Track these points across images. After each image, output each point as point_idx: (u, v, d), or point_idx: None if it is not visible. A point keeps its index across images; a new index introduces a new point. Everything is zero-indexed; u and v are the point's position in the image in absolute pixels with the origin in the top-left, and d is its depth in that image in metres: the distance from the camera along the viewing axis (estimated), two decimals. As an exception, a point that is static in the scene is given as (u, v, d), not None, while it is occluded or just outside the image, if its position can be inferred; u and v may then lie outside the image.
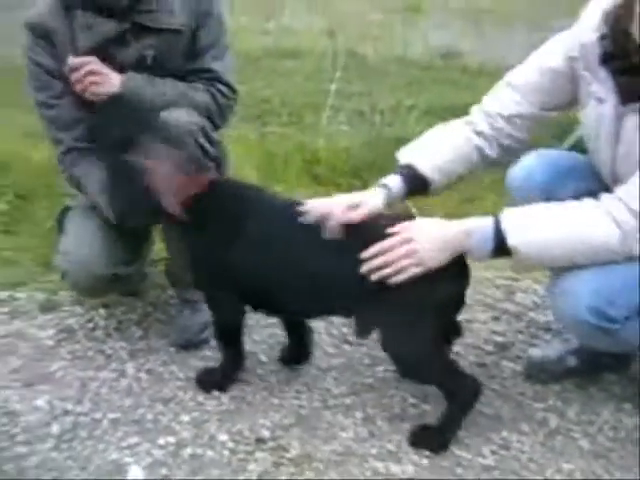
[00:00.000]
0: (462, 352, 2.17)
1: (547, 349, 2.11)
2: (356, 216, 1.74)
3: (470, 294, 2.45)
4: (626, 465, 1.77)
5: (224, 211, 1.87)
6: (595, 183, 1.81)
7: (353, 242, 1.73)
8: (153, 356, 2.14)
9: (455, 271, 1.75)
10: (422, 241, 1.68)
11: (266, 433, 1.84)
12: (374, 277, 1.69)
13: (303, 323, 2.08)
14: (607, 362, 2.04)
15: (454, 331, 2.01)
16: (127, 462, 1.75)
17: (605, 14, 1.66)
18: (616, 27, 1.63)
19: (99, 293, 2.24)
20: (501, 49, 5.53)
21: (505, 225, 1.65)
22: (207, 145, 2.04)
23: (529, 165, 1.93)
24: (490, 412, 1.93)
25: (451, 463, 1.77)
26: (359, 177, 3.20)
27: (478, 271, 2.55)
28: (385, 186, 1.81)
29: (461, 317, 2.31)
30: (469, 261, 1.77)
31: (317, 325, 2.26)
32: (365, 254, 1.70)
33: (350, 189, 3.13)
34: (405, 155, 1.88)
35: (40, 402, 1.94)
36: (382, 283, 1.70)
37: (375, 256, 1.69)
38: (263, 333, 2.24)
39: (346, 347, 2.18)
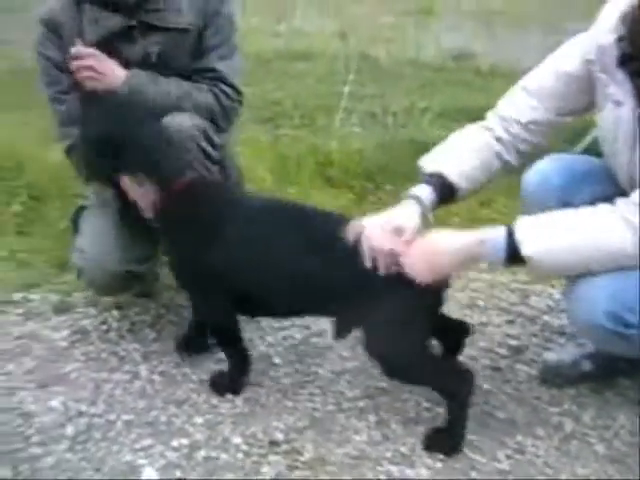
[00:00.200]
0: (476, 355, 2.16)
1: (562, 353, 2.10)
2: (403, 245, 1.71)
3: (484, 297, 2.48)
4: (642, 470, 1.76)
5: (200, 212, 1.87)
6: (611, 187, 1.80)
7: (335, 242, 1.75)
8: (166, 358, 2.14)
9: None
10: (438, 253, 1.68)
11: (280, 436, 1.83)
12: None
13: None
14: (623, 367, 2.02)
15: (462, 331, 2.00)
16: (141, 464, 1.75)
17: (623, 15, 1.65)
18: (634, 28, 1.62)
19: (114, 291, 2.24)
20: (514, 51, 5.52)
21: (519, 235, 1.64)
22: (209, 149, 2.04)
23: (544, 169, 1.92)
24: (505, 416, 1.92)
25: (465, 467, 1.76)
26: (372, 180, 3.20)
27: (492, 275, 2.56)
28: (417, 198, 1.78)
29: (475, 320, 2.34)
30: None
31: (331, 328, 2.26)
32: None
33: (363, 192, 3.15)
34: (430, 163, 1.85)
35: (54, 403, 1.95)
36: (365, 283, 1.71)
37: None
38: (277, 335, 2.24)
39: (360, 350, 2.17)
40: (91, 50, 2.00)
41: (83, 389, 2.00)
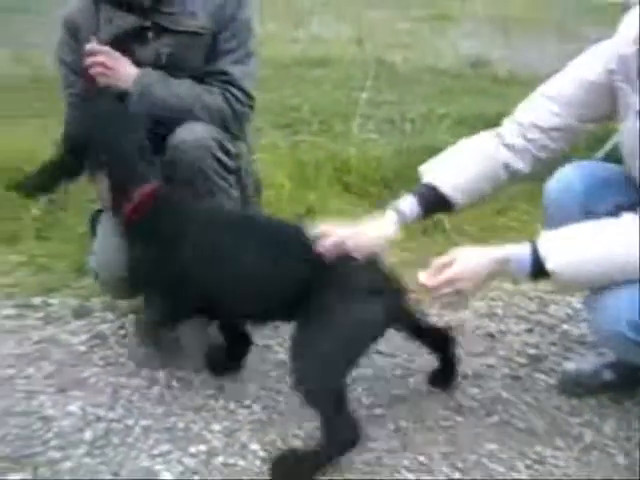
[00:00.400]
0: (495, 364, 2.15)
1: (582, 362, 2.08)
2: (351, 248, 1.72)
3: (503, 306, 2.46)
4: (664, 482, 1.74)
5: (157, 220, 1.88)
6: (634, 195, 1.78)
7: (287, 248, 1.78)
8: (184, 363, 2.14)
9: (383, 297, 1.74)
10: (465, 273, 1.68)
11: (298, 443, 1.83)
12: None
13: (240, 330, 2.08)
14: (644, 377, 2.00)
15: (444, 339, 1.97)
16: (158, 470, 1.75)
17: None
18: (656, 39, 1.61)
19: (126, 294, 2.24)
20: (531, 57, 5.51)
21: (543, 250, 1.64)
22: (225, 158, 2.05)
23: (567, 176, 1.91)
24: (524, 426, 1.91)
25: (484, 477, 1.74)
26: (389, 186, 3.19)
27: (511, 283, 2.54)
28: (398, 211, 1.79)
29: (494, 329, 2.33)
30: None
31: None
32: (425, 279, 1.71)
33: (381, 198, 3.14)
34: (428, 172, 1.85)
35: (73, 408, 1.95)
36: (314, 293, 1.72)
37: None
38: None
39: (377, 357, 2.17)
40: (105, 47, 2.03)
41: (101, 394, 2.01)
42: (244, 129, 2.21)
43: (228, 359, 2.10)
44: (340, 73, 5.12)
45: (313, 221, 2.94)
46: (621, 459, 1.81)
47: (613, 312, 1.63)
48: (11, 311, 2.40)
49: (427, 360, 2.06)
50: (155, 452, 1.80)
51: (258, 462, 1.77)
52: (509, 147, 1.83)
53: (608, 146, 2.21)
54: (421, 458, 1.80)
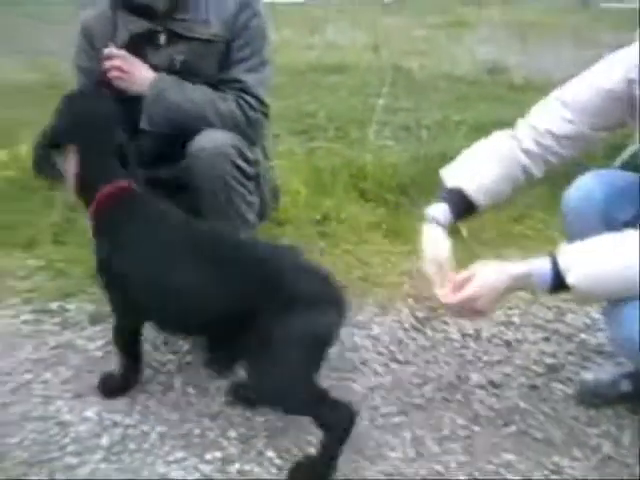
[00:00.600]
0: (511, 373, 2.14)
1: (600, 372, 2.07)
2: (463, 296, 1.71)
3: (520, 314, 2.45)
4: (683, 494, 1.72)
5: (113, 219, 1.89)
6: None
7: (234, 268, 1.73)
8: (200, 370, 2.14)
9: (332, 307, 1.72)
10: (483, 290, 1.67)
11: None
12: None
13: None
14: (663, 387, 1.99)
15: None
16: (174, 476, 1.75)
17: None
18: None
19: None
20: (547, 63, 5.49)
21: (563, 264, 1.63)
22: (244, 165, 2.05)
23: (586, 185, 1.90)
24: (541, 436, 1.90)
25: (501, 487, 1.74)
26: (406, 193, 3.18)
27: (528, 292, 2.52)
28: (436, 220, 1.80)
29: (510, 337, 2.31)
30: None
31: (365, 343, 2.26)
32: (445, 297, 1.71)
33: (397, 206, 3.14)
34: (450, 176, 1.85)
35: (90, 413, 1.96)
36: (255, 310, 1.68)
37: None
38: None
39: (394, 366, 2.16)
40: (122, 52, 2.06)
41: (118, 400, 2.01)
42: (259, 136, 2.22)
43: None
44: (356, 80, 5.12)
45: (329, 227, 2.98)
46: (638, 470, 1.79)
47: (631, 322, 1.62)
48: (29, 316, 2.42)
49: (443, 368, 2.05)
50: (171, 458, 1.81)
51: (274, 469, 1.77)
52: (526, 152, 1.83)
53: (626, 154, 2.19)
54: (437, 467, 1.79)
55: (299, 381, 1.70)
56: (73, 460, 1.80)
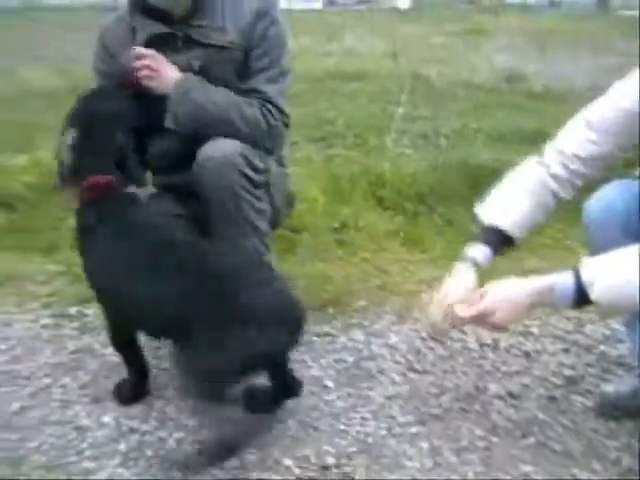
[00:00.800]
0: (530, 384, 2.12)
1: (620, 384, 2.05)
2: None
3: (539, 325, 2.43)
4: None
5: (89, 217, 1.89)
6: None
7: (199, 277, 1.74)
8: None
9: (282, 325, 1.72)
10: (499, 304, 1.66)
11: (331, 460, 1.81)
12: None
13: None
14: (684, 400, 1.96)
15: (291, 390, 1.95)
16: (192, 483, 1.76)
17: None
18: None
19: None
20: (566, 71, 5.48)
21: (586, 278, 1.61)
22: (252, 174, 2.05)
23: (607, 195, 1.88)
24: (560, 448, 1.87)
25: (519, 499, 1.72)
26: (424, 202, 3.17)
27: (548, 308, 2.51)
28: (474, 261, 1.80)
29: (529, 348, 2.30)
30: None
31: (383, 352, 2.25)
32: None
33: (415, 214, 3.13)
34: (485, 214, 1.86)
35: (107, 419, 1.96)
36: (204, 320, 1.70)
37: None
38: (329, 358, 2.23)
39: (412, 375, 2.15)
40: (151, 51, 2.06)
41: (135, 405, 2.02)
42: (277, 145, 2.21)
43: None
44: (375, 87, 5.13)
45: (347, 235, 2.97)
46: (660, 484, 1.77)
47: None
48: (48, 320, 2.43)
49: (461, 378, 2.04)
50: (188, 465, 1.81)
51: (291, 478, 1.76)
52: (554, 177, 1.83)
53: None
54: (455, 478, 1.77)
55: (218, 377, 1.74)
56: (90, 465, 1.80)
